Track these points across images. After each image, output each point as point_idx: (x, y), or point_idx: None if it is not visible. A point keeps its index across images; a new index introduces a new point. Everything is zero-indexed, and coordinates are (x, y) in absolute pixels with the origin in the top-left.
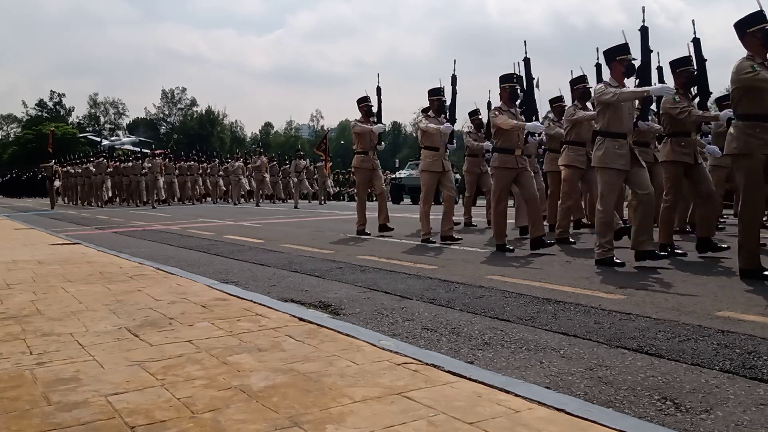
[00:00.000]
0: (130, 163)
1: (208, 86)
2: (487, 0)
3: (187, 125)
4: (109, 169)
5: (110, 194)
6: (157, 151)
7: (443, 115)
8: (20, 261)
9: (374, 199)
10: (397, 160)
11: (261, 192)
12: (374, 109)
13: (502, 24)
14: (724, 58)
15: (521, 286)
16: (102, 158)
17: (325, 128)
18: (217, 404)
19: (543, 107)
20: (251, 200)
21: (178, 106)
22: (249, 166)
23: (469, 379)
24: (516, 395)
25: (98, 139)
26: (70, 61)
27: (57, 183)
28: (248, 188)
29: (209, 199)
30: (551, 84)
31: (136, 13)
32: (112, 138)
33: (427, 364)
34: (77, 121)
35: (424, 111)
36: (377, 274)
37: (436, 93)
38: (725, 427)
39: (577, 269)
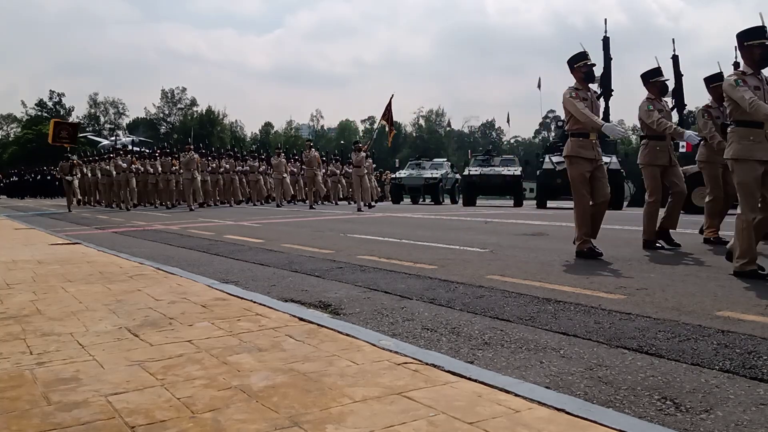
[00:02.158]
0: (159, 160)
1: (208, 86)
2: (487, 0)
3: (187, 125)
4: (134, 166)
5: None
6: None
7: (592, 88)
8: (20, 261)
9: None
10: (397, 160)
11: (314, 190)
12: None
13: (502, 24)
14: (724, 58)
15: (521, 286)
16: (128, 154)
17: (325, 128)
18: (217, 404)
19: (544, 106)
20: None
21: (178, 106)
22: (300, 163)
23: (469, 379)
24: (516, 395)
25: (98, 139)
26: (70, 61)
27: (75, 181)
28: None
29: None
30: (552, 83)
31: (136, 13)
32: (112, 138)
33: (427, 364)
34: (77, 121)
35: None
36: (377, 274)
37: (580, 58)
38: (725, 427)
39: (577, 269)
